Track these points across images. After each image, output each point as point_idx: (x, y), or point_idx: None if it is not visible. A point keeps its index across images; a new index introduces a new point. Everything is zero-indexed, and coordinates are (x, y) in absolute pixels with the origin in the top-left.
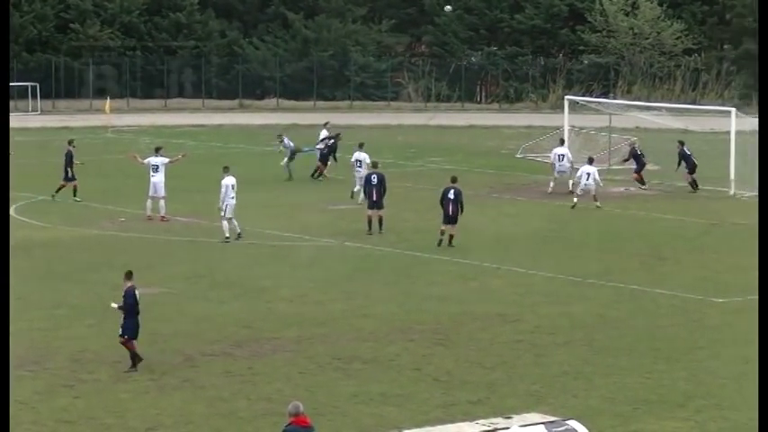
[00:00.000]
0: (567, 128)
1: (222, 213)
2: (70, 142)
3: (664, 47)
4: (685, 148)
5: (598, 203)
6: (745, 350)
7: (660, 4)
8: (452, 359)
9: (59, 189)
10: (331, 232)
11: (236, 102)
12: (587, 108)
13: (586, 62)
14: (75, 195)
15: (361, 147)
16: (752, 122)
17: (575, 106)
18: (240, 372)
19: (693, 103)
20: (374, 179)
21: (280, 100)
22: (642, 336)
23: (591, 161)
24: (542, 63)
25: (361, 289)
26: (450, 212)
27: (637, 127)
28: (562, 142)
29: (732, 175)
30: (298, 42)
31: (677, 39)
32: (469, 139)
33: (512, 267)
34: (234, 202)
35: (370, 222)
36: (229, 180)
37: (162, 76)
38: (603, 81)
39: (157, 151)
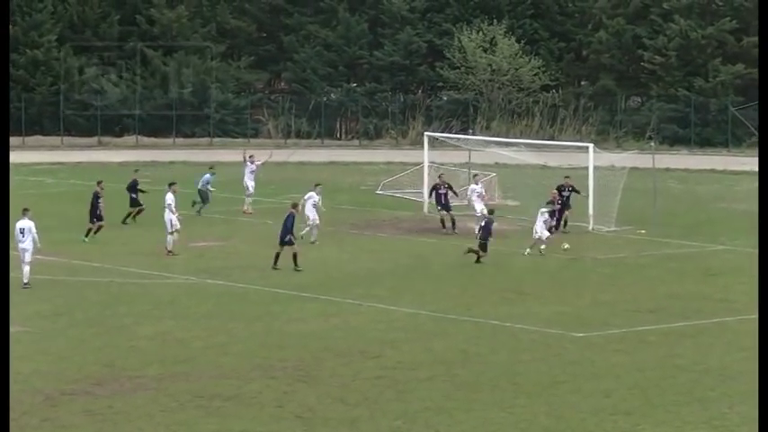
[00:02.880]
0: (426, 164)
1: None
2: (99, 183)
3: (522, 83)
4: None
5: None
6: (606, 384)
7: (518, 41)
8: (314, 396)
9: (89, 232)
10: (192, 270)
11: (94, 139)
12: (447, 144)
13: (445, 98)
14: (86, 236)
15: (316, 187)
16: (609, 158)
17: (434, 142)
18: (101, 410)
19: (551, 138)
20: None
21: (139, 137)
22: (503, 371)
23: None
24: (402, 99)
25: (223, 326)
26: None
27: (496, 163)
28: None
29: (591, 210)
30: (156, 79)
31: (535, 75)
32: (329, 175)
33: (373, 303)
34: (24, 246)
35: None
36: (21, 224)
37: (20, 114)
38: (462, 117)
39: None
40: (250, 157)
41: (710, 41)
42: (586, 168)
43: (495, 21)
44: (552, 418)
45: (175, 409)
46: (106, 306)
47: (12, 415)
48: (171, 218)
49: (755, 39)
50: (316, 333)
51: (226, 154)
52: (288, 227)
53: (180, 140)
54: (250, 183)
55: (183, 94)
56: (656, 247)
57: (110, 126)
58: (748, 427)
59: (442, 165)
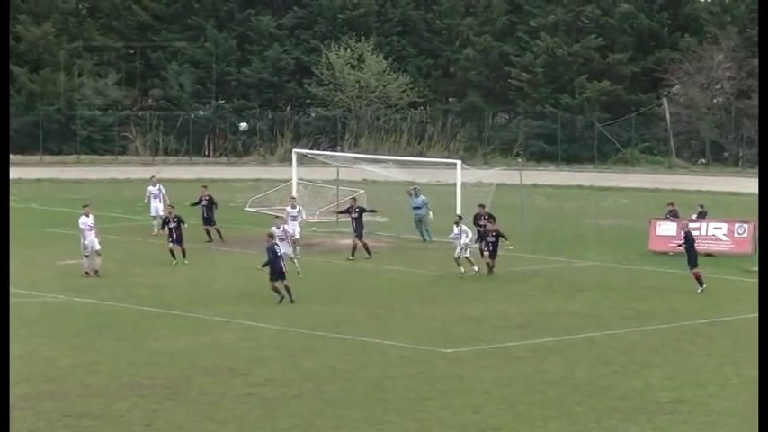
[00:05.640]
0: (295, 181)
1: None
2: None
3: (390, 100)
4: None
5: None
6: (474, 400)
7: (386, 58)
8: (183, 414)
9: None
10: (59, 288)
11: None
12: (315, 161)
13: (314, 115)
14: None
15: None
16: (476, 174)
17: (303, 159)
18: None
19: (420, 155)
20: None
21: None
22: (372, 387)
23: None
24: (270, 116)
25: (90, 344)
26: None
27: (364, 179)
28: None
29: None
30: (23, 96)
31: (403, 92)
32: (197, 192)
33: (242, 321)
34: None
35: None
36: None
37: None
38: (331, 134)
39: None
40: (151, 177)
41: (576, 58)
42: (454, 185)
43: (362, 38)
44: None
45: (43, 428)
46: None
47: None
48: (93, 240)
49: (621, 56)
50: (184, 350)
51: (93, 172)
52: (278, 256)
53: (47, 158)
54: (156, 205)
55: (49, 111)
56: (524, 263)
57: None
58: None
59: (311, 182)
